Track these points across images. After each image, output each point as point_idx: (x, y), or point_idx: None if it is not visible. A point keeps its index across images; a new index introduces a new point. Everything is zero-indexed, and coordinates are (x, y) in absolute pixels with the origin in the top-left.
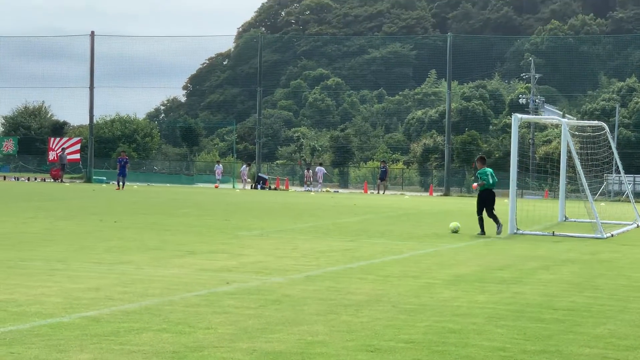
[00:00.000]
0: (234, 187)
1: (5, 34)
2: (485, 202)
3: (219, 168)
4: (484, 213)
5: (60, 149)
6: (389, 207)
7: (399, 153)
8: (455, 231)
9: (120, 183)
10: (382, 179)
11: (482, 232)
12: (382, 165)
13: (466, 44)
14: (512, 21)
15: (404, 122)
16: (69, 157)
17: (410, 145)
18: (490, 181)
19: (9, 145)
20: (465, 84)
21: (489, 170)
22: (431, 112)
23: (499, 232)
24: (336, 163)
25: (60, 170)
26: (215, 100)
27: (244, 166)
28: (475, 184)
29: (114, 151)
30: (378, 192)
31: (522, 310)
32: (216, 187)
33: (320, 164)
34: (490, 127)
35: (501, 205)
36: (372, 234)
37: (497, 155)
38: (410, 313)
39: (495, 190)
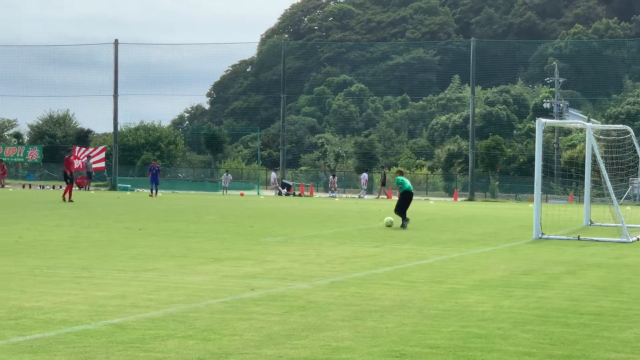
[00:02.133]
0: (258, 193)
1: (29, 43)
2: (403, 202)
3: (227, 177)
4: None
5: (85, 157)
6: (413, 212)
7: (423, 158)
8: (389, 225)
9: (154, 190)
10: (383, 184)
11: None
12: (382, 170)
13: (489, 49)
14: (536, 26)
15: (428, 127)
16: (93, 165)
17: (434, 151)
18: (405, 185)
19: (34, 154)
20: (489, 88)
21: (404, 179)
22: (455, 117)
23: (403, 226)
24: (360, 169)
25: (85, 178)
26: (239, 107)
27: (273, 172)
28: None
29: (139, 159)
30: (378, 197)
31: (548, 315)
32: (241, 194)
33: (366, 170)
34: (515, 131)
35: (526, 209)
36: (397, 239)
37: (521, 160)
38: (435, 318)
39: (520, 195)
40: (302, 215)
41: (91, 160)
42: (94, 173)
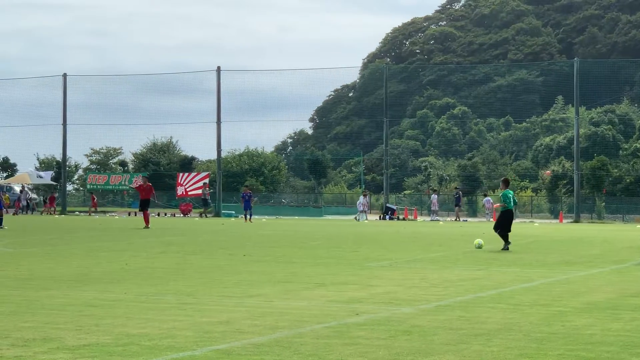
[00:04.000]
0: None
1: (132, 72)
2: (505, 221)
3: (361, 201)
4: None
5: (202, 184)
6: (518, 235)
7: (527, 180)
8: (479, 247)
9: (248, 216)
10: (457, 205)
11: (506, 245)
12: (455, 191)
13: (593, 69)
14: None
15: (531, 149)
16: (194, 192)
17: (538, 173)
18: (512, 203)
19: (139, 182)
20: (594, 109)
21: (511, 192)
22: (559, 138)
23: (505, 248)
24: (464, 192)
25: (191, 205)
26: (341, 131)
27: (362, 196)
28: (498, 204)
29: (242, 185)
30: (455, 220)
31: None
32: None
33: (485, 195)
34: (620, 152)
35: (633, 231)
36: (502, 262)
37: (628, 181)
38: (542, 342)
39: (627, 216)
40: (406, 239)
41: (207, 186)
42: (210, 200)
